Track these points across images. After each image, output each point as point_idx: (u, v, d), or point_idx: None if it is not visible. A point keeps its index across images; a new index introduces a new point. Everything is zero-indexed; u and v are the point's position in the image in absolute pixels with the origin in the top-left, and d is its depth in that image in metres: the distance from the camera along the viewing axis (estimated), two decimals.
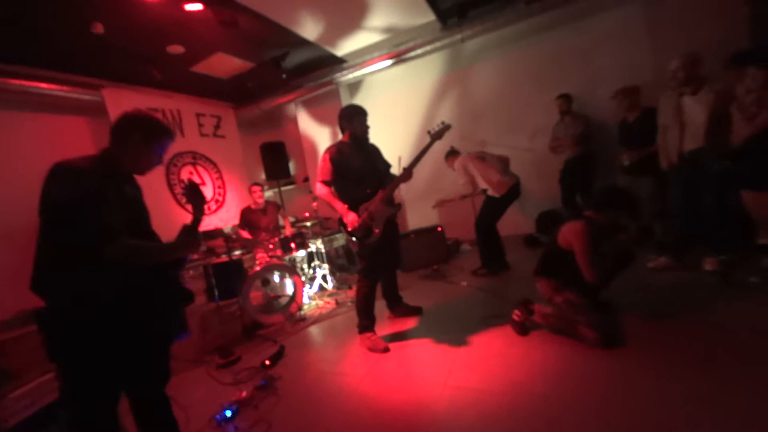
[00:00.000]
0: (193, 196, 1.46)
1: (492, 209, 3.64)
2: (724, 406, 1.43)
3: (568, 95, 4.15)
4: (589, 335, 2.02)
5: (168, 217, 4.50)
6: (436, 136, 2.61)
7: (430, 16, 4.32)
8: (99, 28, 3.28)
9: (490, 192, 3.57)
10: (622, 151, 3.40)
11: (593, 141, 4.05)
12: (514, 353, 2.15)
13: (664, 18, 3.89)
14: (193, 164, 5.08)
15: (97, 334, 1.23)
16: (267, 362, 2.61)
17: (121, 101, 4.24)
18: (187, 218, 1.45)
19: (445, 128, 2.64)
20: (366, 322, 2.65)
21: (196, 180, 4.87)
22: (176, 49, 3.96)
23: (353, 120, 2.57)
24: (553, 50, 4.53)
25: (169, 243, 1.41)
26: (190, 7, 3.18)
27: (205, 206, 1.53)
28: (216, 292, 3.56)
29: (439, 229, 4.59)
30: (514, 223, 4.89)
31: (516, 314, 2.38)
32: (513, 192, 3.52)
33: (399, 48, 4.60)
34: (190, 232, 1.43)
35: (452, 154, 3.96)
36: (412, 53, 4.59)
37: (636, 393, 1.61)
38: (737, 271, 2.55)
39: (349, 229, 2.49)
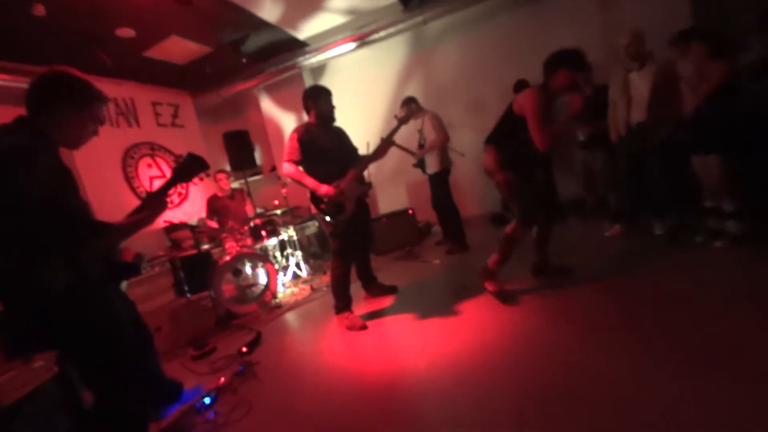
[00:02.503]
0: (192, 163, 1.41)
1: (445, 184, 3.82)
2: (674, 347, 1.59)
3: (525, 81, 4.21)
4: (515, 229, 2.26)
5: (126, 212, 4.27)
6: (402, 120, 2.72)
7: None
8: (40, 10, 3.02)
9: (435, 166, 3.74)
10: (578, 126, 3.57)
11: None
12: (484, 318, 2.25)
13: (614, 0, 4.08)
14: (152, 156, 4.85)
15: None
16: (244, 349, 2.58)
17: None
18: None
19: (411, 113, 2.74)
20: (342, 303, 2.68)
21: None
22: (126, 32, 3.72)
23: (318, 99, 2.55)
24: (511, 31, 4.64)
25: (143, 214, 1.36)
26: None
27: (193, 179, 1.47)
28: (186, 287, 3.45)
29: (411, 211, 4.65)
30: (478, 202, 5.06)
31: (488, 288, 2.47)
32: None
33: (362, 30, 4.57)
34: (158, 195, 1.38)
35: (416, 103, 3.88)
36: (375, 36, 4.58)
37: (599, 343, 1.74)
38: (684, 233, 2.80)
39: (325, 200, 2.47)
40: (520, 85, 4.19)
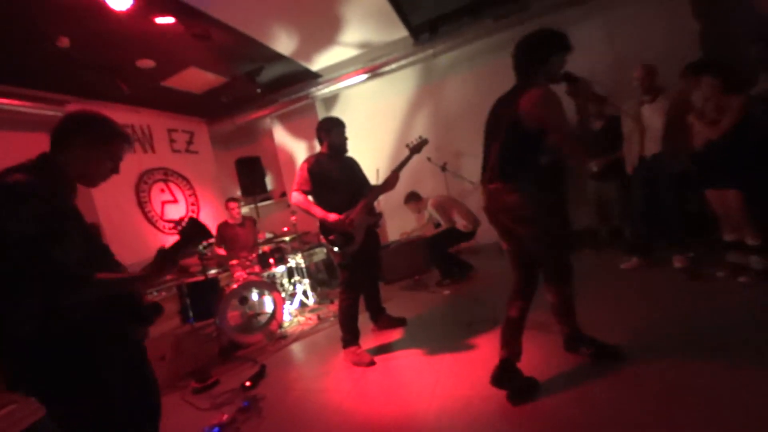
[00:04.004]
0: (193, 231, 1.28)
1: (453, 240, 3.93)
2: (707, 394, 1.48)
3: None
4: (559, 291, 1.81)
5: (139, 237, 4.31)
6: (414, 149, 2.74)
7: (403, 32, 4.43)
8: (64, 42, 3.16)
9: (460, 226, 3.86)
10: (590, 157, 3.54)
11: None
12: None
13: (623, 33, 4.14)
14: (165, 181, 4.92)
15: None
16: (247, 383, 2.49)
17: None
18: (159, 237, 1.30)
19: (423, 143, 2.78)
20: (350, 336, 2.60)
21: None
22: (146, 63, 3.86)
23: (331, 131, 2.58)
24: None
25: (140, 273, 1.21)
26: (161, 20, 3.12)
27: (199, 245, 1.34)
28: (191, 314, 3.41)
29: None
30: (487, 230, 4.96)
31: (585, 353, 1.90)
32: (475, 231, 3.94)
33: (374, 63, 4.69)
34: (166, 256, 1.23)
35: (416, 198, 4.15)
36: (387, 68, 4.68)
37: (622, 386, 1.64)
38: (704, 267, 2.69)
39: (335, 230, 2.45)
40: None
